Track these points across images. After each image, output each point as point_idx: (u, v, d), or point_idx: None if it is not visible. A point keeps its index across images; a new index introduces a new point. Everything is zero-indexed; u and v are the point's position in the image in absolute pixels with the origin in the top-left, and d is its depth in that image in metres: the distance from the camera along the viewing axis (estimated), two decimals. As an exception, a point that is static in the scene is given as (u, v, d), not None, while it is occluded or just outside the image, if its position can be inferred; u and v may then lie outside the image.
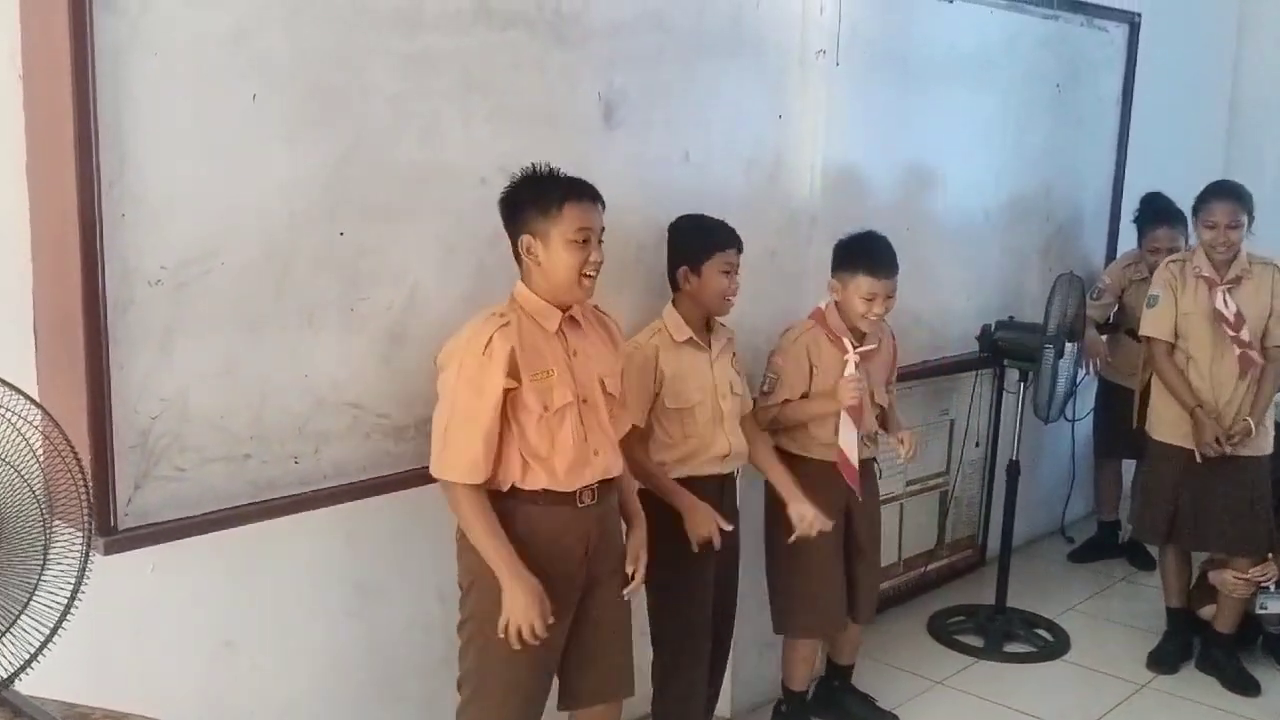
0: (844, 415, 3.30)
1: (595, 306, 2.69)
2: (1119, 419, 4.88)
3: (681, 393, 3.03)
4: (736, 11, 3.31)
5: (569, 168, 2.57)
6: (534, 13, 2.81)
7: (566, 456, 2.53)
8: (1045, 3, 4.59)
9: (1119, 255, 5.09)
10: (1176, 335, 3.99)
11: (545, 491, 2.53)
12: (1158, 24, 5.16)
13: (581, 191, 2.51)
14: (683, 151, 3.22)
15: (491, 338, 2.44)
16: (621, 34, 3.01)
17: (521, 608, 2.44)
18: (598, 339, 2.66)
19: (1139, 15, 5.05)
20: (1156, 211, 4.79)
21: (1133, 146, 5.17)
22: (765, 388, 3.32)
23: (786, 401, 3.32)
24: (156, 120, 2.23)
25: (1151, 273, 4.65)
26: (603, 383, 2.63)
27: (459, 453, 2.45)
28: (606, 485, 2.65)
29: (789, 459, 3.37)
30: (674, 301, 3.09)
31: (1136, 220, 4.90)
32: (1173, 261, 4.08)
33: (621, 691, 2.76)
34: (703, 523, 2.96)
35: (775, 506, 3.41)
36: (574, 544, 2.58)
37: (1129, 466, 5.18)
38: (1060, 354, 4.22)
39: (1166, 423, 4.06)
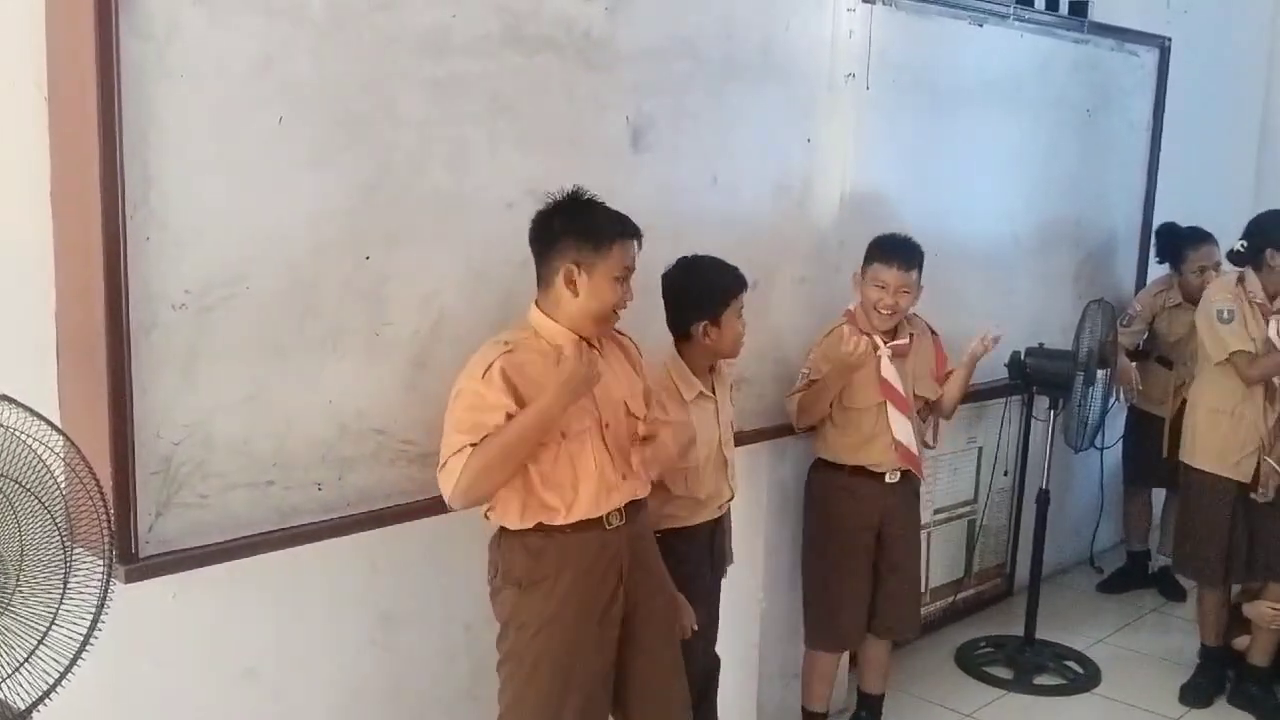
0: (891, 409, 3.32)
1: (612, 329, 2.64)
2: (1149, 447, 4.83)
3: (690, 454, 2.89)
4: (765, 36, 3.29)
5: (597, 193, 2.54)
6: (563, 37, 2.78)
7: (591, 483, 2.48)
8: (1076, 27, 4.56)
9: (1150, 282, 5.02)
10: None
11: (574, 521, 2.49)
12: (1188, 49, 5.12)
13: (632, 229, 2.50)
14: (711, 176, 3.19)
15: (492, 364, 2.39)
16: (650, 59, 2.98)
17: (569, 379, 2.37)
18: (616, 361, 2.62)
19: (1169, 40, 5.00)
20: (1184, 235, 4.73)
21: (1162, 172, 5.11)
22: (800, 383, 3.31)
23: (811, 384, 3.31)
24: (182, 144, 2.21)
25: (1186, 297, 4.60)
26: (626, 405, 2.59)
27: (447, 468, 2.38)
28: (635, 506, 2.59)
29: (823, 466, 3.43)
30: (680, 354, 2.93)
31: (1162, 252, 4.84)
32: (1229, 281, 3.93)
33: None
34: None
35: (812, 513, 3.46)
36: (607, 569, 2.53)
37: (1159, 496, 5.12)
38: (1091, 382, 4.17)
39: (1213, 451, 3.93)
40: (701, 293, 2.89)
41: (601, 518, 2.51)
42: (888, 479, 3.39)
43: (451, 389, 2.46)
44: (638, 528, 2.61)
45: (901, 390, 3.34)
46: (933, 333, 3.56)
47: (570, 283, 2.45)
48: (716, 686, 3.20)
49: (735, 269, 2.93)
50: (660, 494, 2.87)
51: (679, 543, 2.92)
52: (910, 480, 3.48)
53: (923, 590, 4.48)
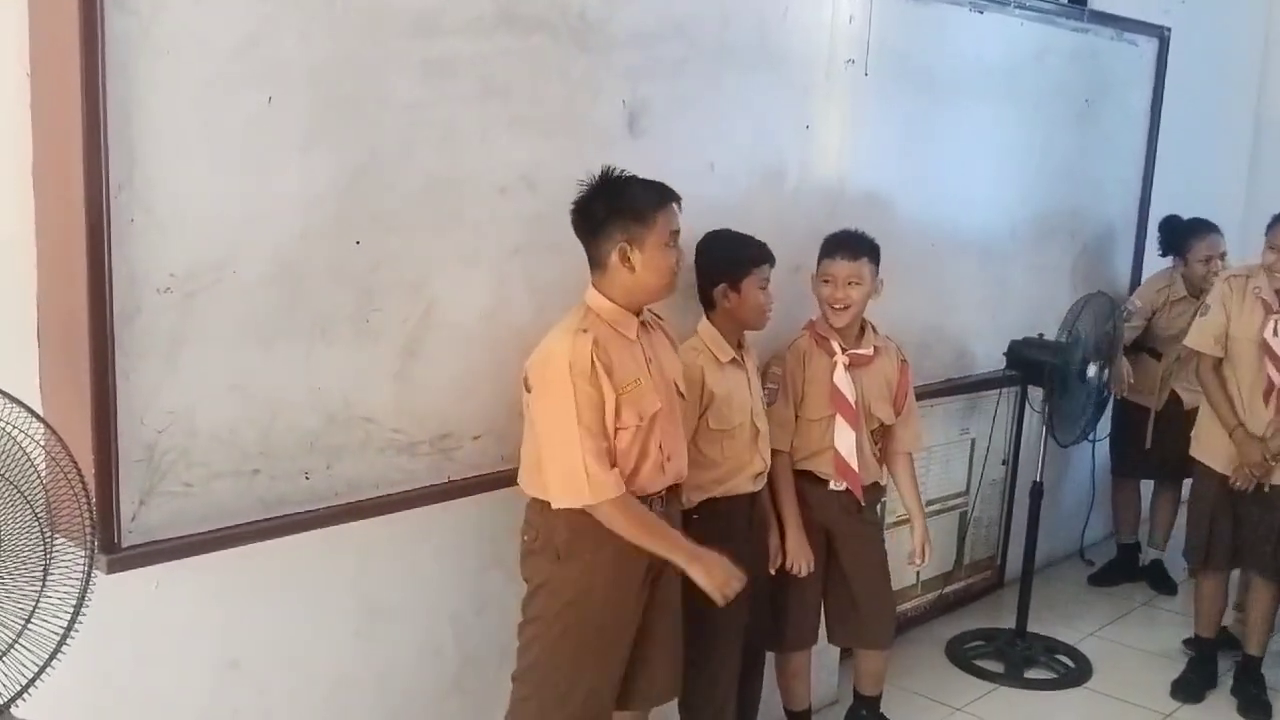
0: (839, 419, 3.26)
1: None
2: (1137, 438, 4.82)
3: (726, 414, 2.98)
4: (763, 21, 3.23)
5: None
6: (557, 19, 2.73)
7: (649, 464, 2.55)
8: (1076, 15, 4.52)
9: (1151, 277, 4.95)
10: (1225, 352, 3.85)
11: None
12: (1185, 39, 5.08)
13: (670, 194, 2.55)
14: (708, 163, 3.14)
15: (593, 358, 2.43)
16: (646, 42, 2.93)
17: (720, 577, 2.53)
18: (663, 342, 2.70)
19: (1169, 30, 4.96)
20: (1188, 226, 4.70)
21: (1159, 163, 5.08)
22: (766, 399, 3.22)
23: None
24: (168, 124, 2.16)
25: (1189, 290, 4.60)
26: (675, 385, 2.65)
27: (602, 474, 2.44)
28: (674, 490, 2.67)
29: None
30: (710, 320, 3.04)
31: (1165, 245, 4.80)
32: (1235, 276, 3.90)
33: (670, 693, 2.80)
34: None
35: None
36: (641, 551, 2.55)
37: (1147, 487, 5.10)
38: (1083, 376, 4.13)
39: (1209, 446, 3.93)
40: (723, 258, 3.01)
41: (648, 501, 2.57)
42: (832, 485, 3.31)
43: (539, 379, 2.48)
44: (672, 515, 2.67)
45: (851, 401, 3.26)
46: (904, 362, 3.44)
47: (625, 260, 2.51)
48: (762, 666, 3.37)
49: (761, 242, 3.04)
50: (695, 461, 2.93)
51: (715, 517, 2.97)
52: (869, 491, 3.38)
53: (915, 583, 4.48)
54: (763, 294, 3.00)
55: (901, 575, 4.34)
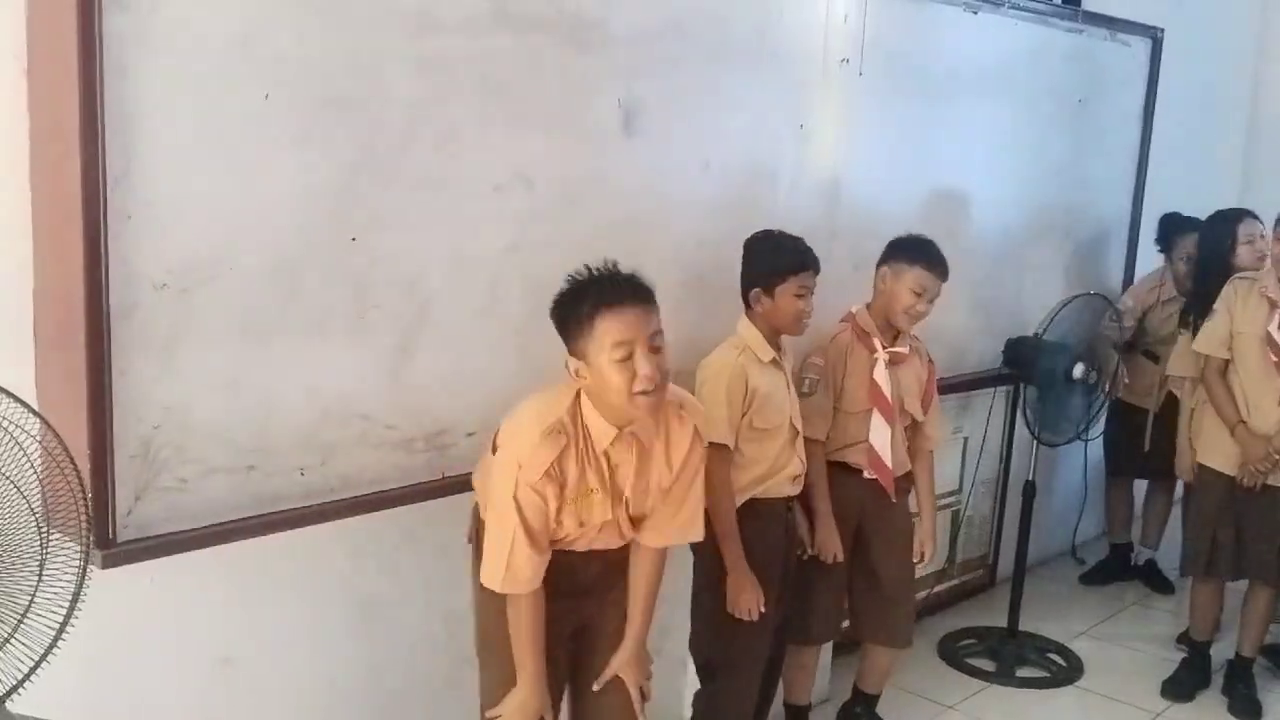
0: (876, 414, 3.28)
1: (680, 405, 2.44)
2: (1133, 439, 4.82)
3: (767, 414, 2.98)
4: (759, 20, 3.24)
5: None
6: (554, 17, 2.73)
7: (590, 533, 2.41)
8: (1070, 16, 4.53)
9: (1142, 277, 4.96)
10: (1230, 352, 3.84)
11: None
12: (1179, 40, 5.09)
13: (617, 296, 2.21)
14: (703, 161, 3.15)
15: (548, 471, 2.26)
16: (643, 40, 2.94)
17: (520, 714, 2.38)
18: (659, 454, 2.42)
19: (1162, 30, 4.97)
20: (1178, 224, 4.72)
21: (1152, 163, 5.09)
22: (806, 389, 3.22)
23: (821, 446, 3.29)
24: (164, 120, 2.16)
25: (1179, 290, 4.60)
26: (648, 484, 2.43)
27: (521, 568, 2.29)
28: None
29: None
30: (750, 319, 3.03)
31: (1161, 240, 4.82)
32: (1242, 279, 3.90)
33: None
34: (747, 597, 2.93)
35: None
36: (571, 585, 2.47)
37: (1140, 487, 5.12)
38: (1069, 377, 4.13)
39: (1219, 450, 3.90)
40: (759, 262, 3.02)
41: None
42: (866, 474, 3.33)
43: (504, 443, 2.34)
44: (574, 562, 2.48)
45: (889, 396, 3.29)
46: (930, 361, 3.50)
47: (580, 377, 2.26)
48: (780, 669, 3.32)
49: (805, 250, 3.01)
50: (734, 463, 2.95)
51: (753, 519, 2.98)
52: (898, 484, 3.40)
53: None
54: (801, 302, 2.97)
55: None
